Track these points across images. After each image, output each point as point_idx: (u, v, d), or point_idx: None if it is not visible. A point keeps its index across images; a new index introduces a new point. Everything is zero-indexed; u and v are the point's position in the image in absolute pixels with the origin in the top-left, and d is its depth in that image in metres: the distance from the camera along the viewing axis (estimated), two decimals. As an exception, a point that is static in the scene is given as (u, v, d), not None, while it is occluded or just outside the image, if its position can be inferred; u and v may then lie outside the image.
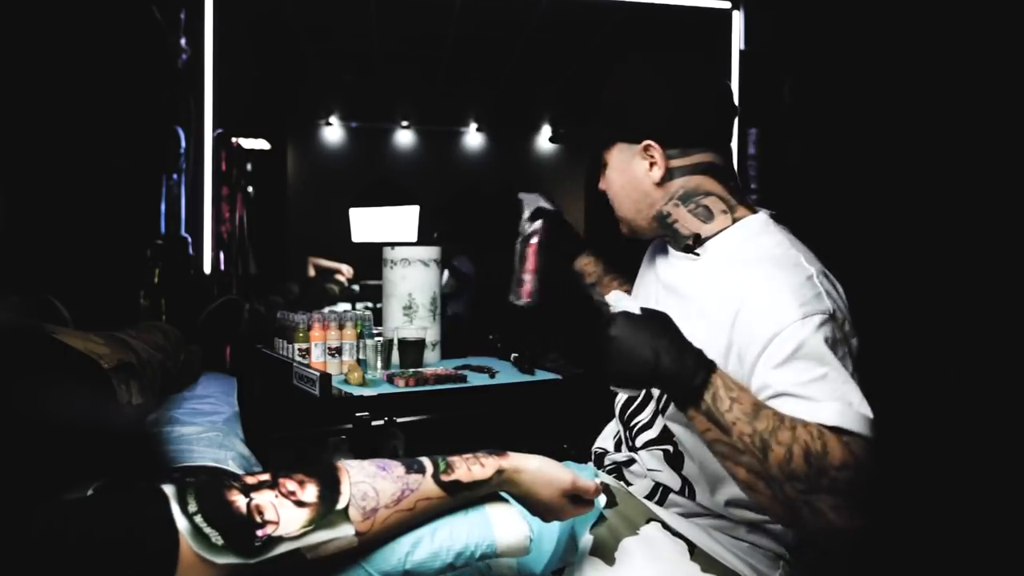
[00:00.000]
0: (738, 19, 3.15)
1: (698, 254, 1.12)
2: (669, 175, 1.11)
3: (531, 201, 1.44)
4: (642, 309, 0.92)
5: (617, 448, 1.23)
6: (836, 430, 0.84)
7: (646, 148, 1.11)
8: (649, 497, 1.13)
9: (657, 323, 0.90)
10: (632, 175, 1.14)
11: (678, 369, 0.87)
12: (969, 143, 2.32)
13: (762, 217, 1.13)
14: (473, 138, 6.71)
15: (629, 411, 1.19)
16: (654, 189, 1.12)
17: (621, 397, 1.24)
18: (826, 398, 0.87)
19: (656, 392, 1.13)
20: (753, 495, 0.86)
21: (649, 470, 1.13)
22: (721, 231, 1.11)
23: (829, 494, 0.80)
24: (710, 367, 0.88)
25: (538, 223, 1.40)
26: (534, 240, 1.33)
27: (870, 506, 0.82)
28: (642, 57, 1.14)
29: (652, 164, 1.11)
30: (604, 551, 1.01)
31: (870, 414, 0.86)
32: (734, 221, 1.11)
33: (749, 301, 0.97)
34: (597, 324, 0.93)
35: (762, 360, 0.92)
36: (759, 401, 0.86)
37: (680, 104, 1.10)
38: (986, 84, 2.28)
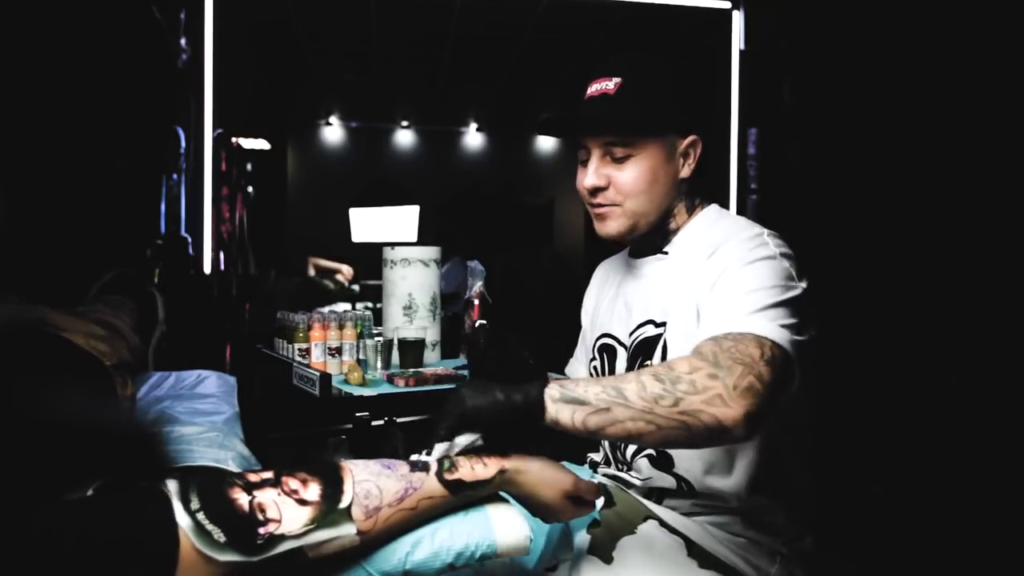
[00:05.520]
0: (738, 19, 3.15)
1: (667, 252, 1.17)
2: (694, 171, 1.15)
3: (479, 273, 1.57)
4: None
5: (607, 463, 1.24)
6: (705, 342, 0.91)
7: (692, 143, 1.13)
8: (646, 497, 1.13)
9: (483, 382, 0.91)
10: (668, 169, 1.13)
11: (515, 391, 0.86)
12: (969, 143, 2.32)
13: (716, 207, 1.20)
14: (473, 138, 6.72)
15: None
16: (677, 184, 1.14)
17: None
18: (725, 312, 0.94)
19: None
20: (646, 439, 0.86)
21: (643, 479, 1.14)
22: (685, 225, 1.17)
23: (695, 395, 0.84)
24: (535, 381, 0.90)
25: (478, 286, 1.52)
26: (476, 301, 1.53)
27: (756, 390, 0.84)
28: (658, 57, 1.14)
29: (687, 160, 1.14)
30: (602, 550, 1.02)
31: (770, 321, 0.92)
32: (698, 213, 1.18)
33: (707, 263, 1.05)
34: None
35: (710, 298, 1.00)
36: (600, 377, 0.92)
37: (710, 100, 1.16)
38: (986, 84, 2.28)
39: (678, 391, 0.84)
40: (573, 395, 0.85)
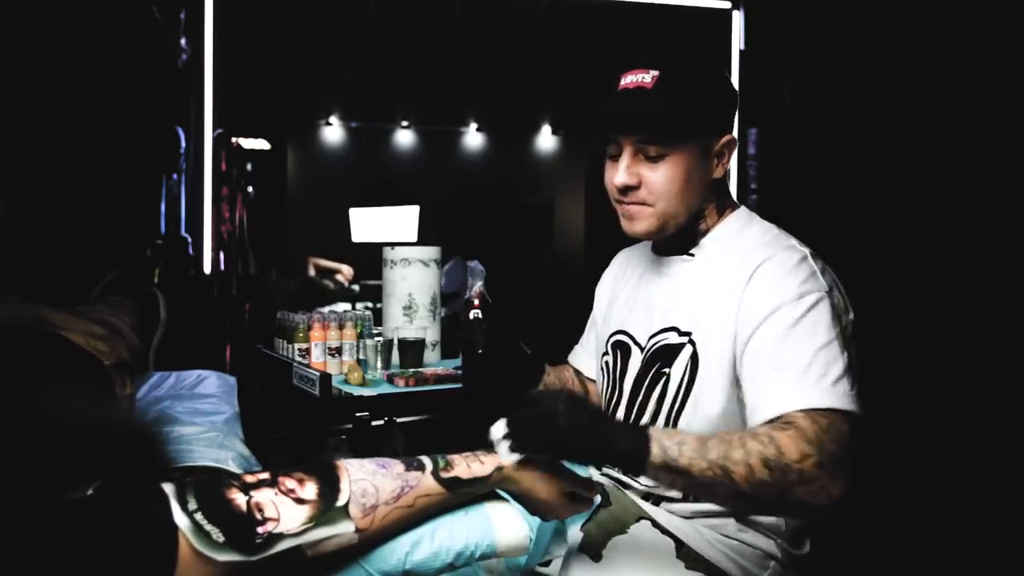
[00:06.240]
0: (738, 19, 3.15)
1: (693, 254, 1.13)
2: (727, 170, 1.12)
3: (479, 273, 1.59)
4: (548, 396, 0.86)
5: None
6: (801, 416, 0.88)
7: (728, 142, 1.09)
8: (644, 498, 1.13)
9: (582, 405, 0.86)
10: (703, 170, 1.08)
11: (617, 438, 0.84)
12: (969, 143, 2.32)
13: (745, 210, 1.16)
14: (473, 138, 6.72)
15: None
16: (710, 185, 1.11)
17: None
18: (805, 378, 0.91)
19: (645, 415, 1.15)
20: (738, 510, 0.90)
21: (648, 486, 1.13)
22: (713, 228, 1.13)
23: (801, 485, 0.83)
24: (641, 427, 0.87)
25: (478, 286, 1.53)
26: (476, 301, 1.56)
27: (848, 471, 0.85)
28: (694, 52, 1.11)
29: (720, 159, 1.10)
30: (592, 549, 1.02)
31: (849, 391, 0.90)
32: (727, 216, 1.15)
33: (749, 286, 1.00)
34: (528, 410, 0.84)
35: (756, 337, 0.96)
36: (701, 436, 0.86)
37: (736, 99, 1.13)
38: (986, 84, 2.28)
39: (787, 480, 0.83)
40: (676, 464, 0.83)
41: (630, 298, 1.23)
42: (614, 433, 0.84)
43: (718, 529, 1.06)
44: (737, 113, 1.14)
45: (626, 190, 1.09)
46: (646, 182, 1.07)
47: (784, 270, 0.99)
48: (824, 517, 0.86)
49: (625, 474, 0.91)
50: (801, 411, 0.88)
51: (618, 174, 1.09)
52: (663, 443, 0.83)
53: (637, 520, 1.06)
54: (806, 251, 1.03)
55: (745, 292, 1.00)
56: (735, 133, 1.15)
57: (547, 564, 1.00)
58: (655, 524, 1.05)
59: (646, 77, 1.05)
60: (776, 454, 0.83)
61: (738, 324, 0.99)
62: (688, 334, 1.07)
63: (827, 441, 0.85)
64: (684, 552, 1.02)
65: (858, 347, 0.98)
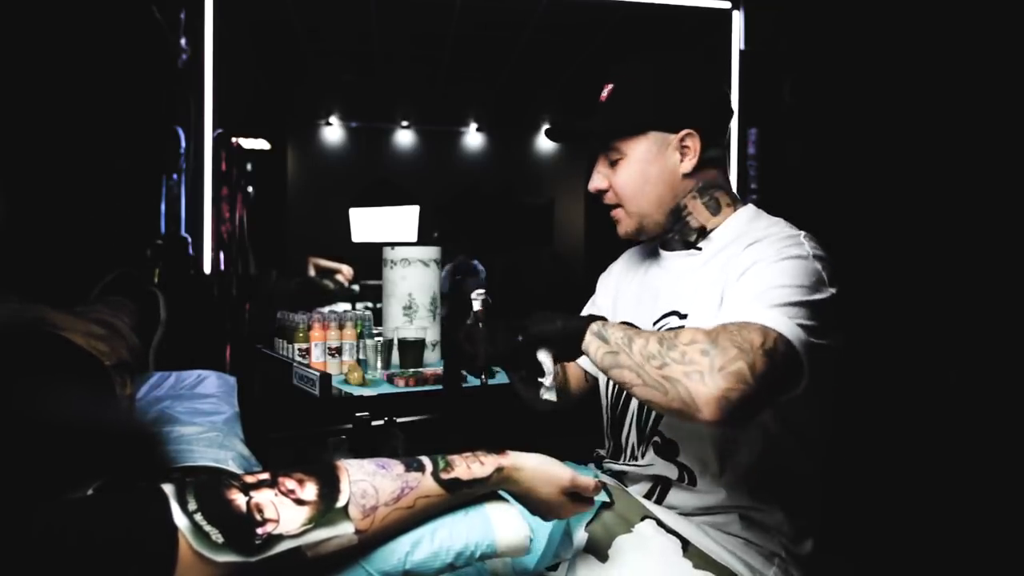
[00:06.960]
0: (738, 19, 3.15)
1: (700, 248, 1.16)
2: (699, 166, 1.13)
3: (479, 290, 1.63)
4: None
5: (613, 456, 1.24)
6: (722, 325, 0.91)
7: (685, 137, 1.12)
8: (647, 496, 1.14)
9: (549, 311, 1.09)
10: (662, 166, 1.12)
11: (569, 322, 1.04)
12: (969, 143, 2.32)
13: (753, 207, 1.19)
14: (473, 138, 6.73)
15: (617, 418, 1.22)
16: (680, 181, 1.14)
17: (606, 416, 1.26)
18: (746, 301, 0.94)
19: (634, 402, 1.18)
20: (634, 391, 0.94)
21: (644, 465, 1.14)
22: (721, 224, 1.15)
23: (680, 364, 0.89)
24: (597, 316, 1.04)
25: (484, 295, 1.59)
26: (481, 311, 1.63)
27: (741, 377, 0.85)
28: (663, 53, 1.16)
29: (685, 154, 1.12)
30: (598, 548, 1.02)
31: (784, 317, 0.91)
32: (732, 213, 1.16)
33: (740, 257, 1.04)
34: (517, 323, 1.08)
35: (734, 289, 1.00)
36: (639, 328, 0.99)
37: (718, 95, 1.16)
38: (986, 84, 2.28)
39: (668, 357, 0.90)
40: (603, 334, 0.99)
41: (635, 293, 1.27)
42: (574, 319, 1.04)
43: (722, 527, 1.06)
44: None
45: (599, 194, 1.19)
46: (612, 184, 1.17)
47: (773, 239, 1.04)
48: (701, 416, 0.86)
49: (571, 351, 1.04)
50: (720, 323, 0.92)
51: (591, 179, 1.20)
52: (605, 324, 1.00)
53: (642, 519, 1.06)
54: (802, 232, 1.07)
55: (734, 262, 1.04)
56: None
57: (555, 568, 1.00)
58: (660, 523, 1.05)
59: (604, 92, 1.15)
60: (672, 336, 0.92)
61: (725, 288, 1.04)
62: (687, 316, 1.11)
63: (725, 339, 0.88)
64: (691, 551, 1.03)
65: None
